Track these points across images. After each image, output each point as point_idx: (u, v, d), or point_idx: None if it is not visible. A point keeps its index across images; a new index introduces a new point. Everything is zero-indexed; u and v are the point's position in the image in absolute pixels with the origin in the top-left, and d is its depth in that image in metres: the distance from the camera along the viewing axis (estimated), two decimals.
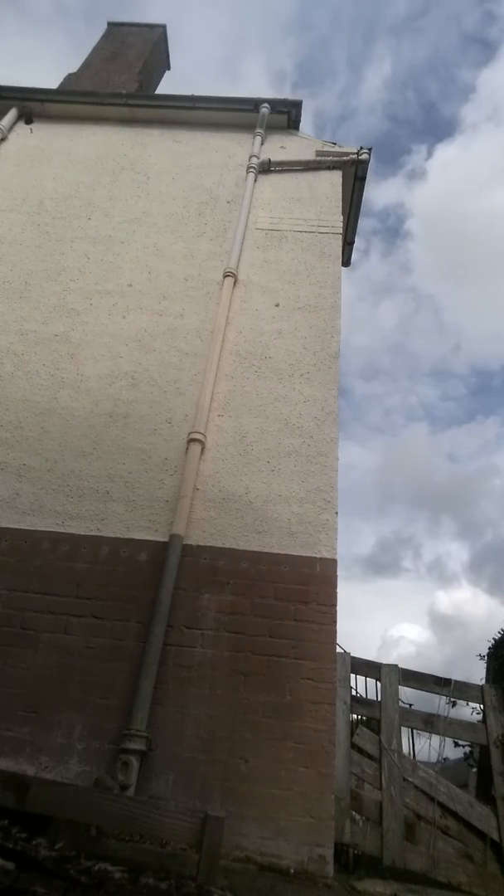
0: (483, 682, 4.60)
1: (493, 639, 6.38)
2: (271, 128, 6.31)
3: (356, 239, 6.87)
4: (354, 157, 5.97)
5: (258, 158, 5.88)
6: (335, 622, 3.39)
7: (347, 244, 6.68)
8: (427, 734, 4.04)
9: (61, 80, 8.34)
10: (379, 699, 3.98)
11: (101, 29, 9.51)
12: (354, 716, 4.07)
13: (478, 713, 4.30)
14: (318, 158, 5.96)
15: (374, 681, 4.09)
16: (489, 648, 6.22)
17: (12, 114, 6.42)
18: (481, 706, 4.03)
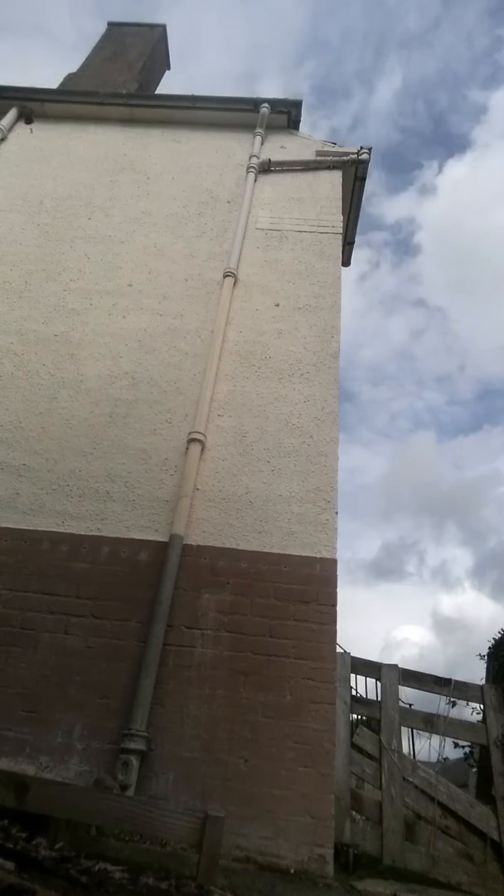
0: (483, 681, 4.60)
1: (494, 639, 6.39)
2: (271, 127, 6.31)
3: (358, 239, 6.87)
4: (354, 156, 5.97)
5: (258, 158, 5.88)
6: (335, 622, 3.39)
7: (348, 244, 6.68)
8: (427, 734, 4.04)
9: (61, 80, 8.34)
10: (379, 699, 3.98)
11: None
12: (354, 716, 4.07)
13: (478, 713, 4.30)
14: (318, 158, 5.96)
15: (374, 681, 4.09)
16: (489, 648, 6.23)
17: (12, 114, 6.42)
18: (481, 706, 4.03)
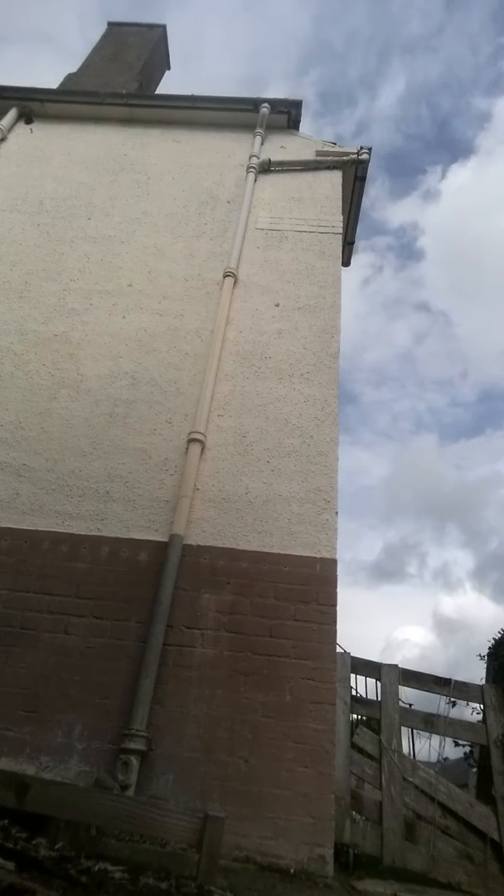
0: (483, 681, 4.60)
1: (494, 639, 6.38)
2: (271, 128, 6.30)
3: (361, 243, 6.86)
4: (354, 156, 5.96)
5: (258, 158, 5.87)
6: (335, 622, 3.39)
7: (347, 244, 6.68)
8: (427, 734, 4.05)
9: (61, 80, 8.34)
10: (379, 699, 3.98)
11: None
12: (354, 716, 4.07)
13: (478, 713, 4.30)
14: (318, 158, 5.96)
15: (374, 681, 4.10)
16: (489, 648, 6.22)
17: (12, 114, 6.42)
18: (481, 706, 4.03)
